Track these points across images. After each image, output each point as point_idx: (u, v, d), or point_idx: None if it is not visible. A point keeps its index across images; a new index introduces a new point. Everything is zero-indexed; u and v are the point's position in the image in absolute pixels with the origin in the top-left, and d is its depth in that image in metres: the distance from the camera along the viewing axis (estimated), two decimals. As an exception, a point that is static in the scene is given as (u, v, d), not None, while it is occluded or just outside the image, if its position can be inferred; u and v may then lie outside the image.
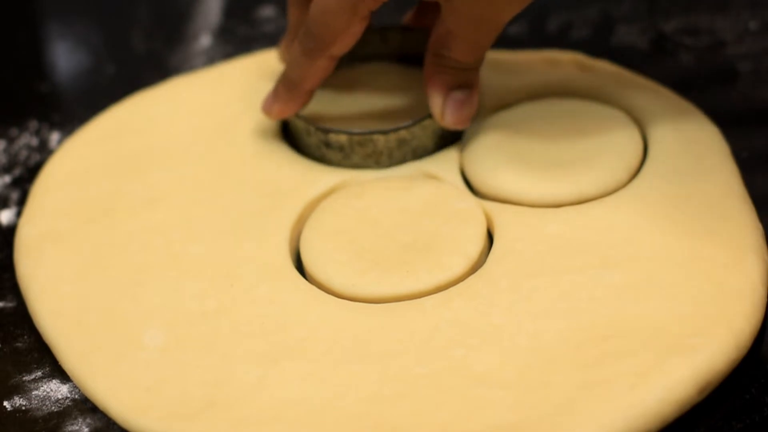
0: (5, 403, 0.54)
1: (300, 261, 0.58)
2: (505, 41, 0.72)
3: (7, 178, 0.67)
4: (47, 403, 0.54)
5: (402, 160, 0.61)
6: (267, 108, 0.62)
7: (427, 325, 0.54)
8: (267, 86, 0.68)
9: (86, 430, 0.53)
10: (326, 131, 0.61)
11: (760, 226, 0.57)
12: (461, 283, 0.55)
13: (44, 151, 0.69)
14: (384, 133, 0.60)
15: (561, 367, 0.51)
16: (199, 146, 0.65)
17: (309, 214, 0.60)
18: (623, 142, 0.61)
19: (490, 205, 0.59)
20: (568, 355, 0.51)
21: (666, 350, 0.51)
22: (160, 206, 0.62)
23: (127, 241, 0.60)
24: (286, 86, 0.61)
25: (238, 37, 0.75)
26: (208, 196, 0.62)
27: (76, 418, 0.53)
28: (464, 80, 0.60)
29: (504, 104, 0.65)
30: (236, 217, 0.61)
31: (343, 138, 0.61)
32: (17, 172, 0.68)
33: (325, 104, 0.64)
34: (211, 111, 0.68)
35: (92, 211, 0.62)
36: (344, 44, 0.59)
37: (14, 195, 0.66)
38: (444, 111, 0.60)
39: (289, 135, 0.64)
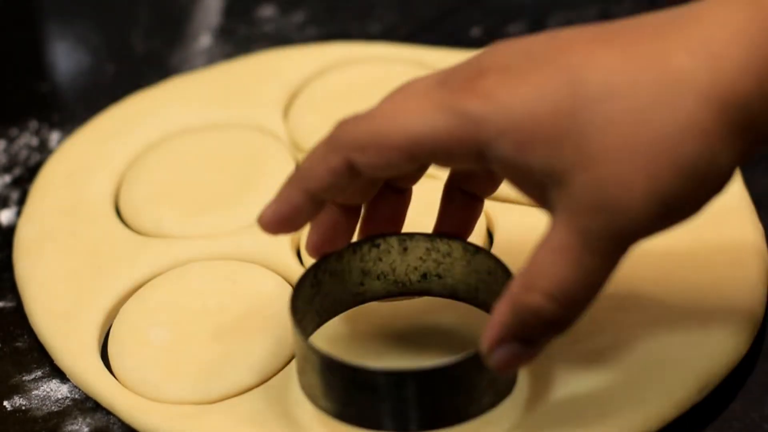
0: (5, 403, 0.54)
1: (300, 260, 0.59)
2: (505, 41, 0.72)
3: (7, 178, 0.67)
4: (47, 403, 0.54)
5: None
6: (263, 213, 0.49)
7: (428, 323, 0.54)
8: (267, 86, 0.68)
9: (86, 429, 0.53)
10: (355, 369, 0.47)
11: (760, 226, 0.57)
12: (461, 283, 0.55)
13: (44, 151, 0.68)
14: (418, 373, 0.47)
15: (560, 366, 0.51)
16: (199, 146, 0.65)
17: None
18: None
19: (490, 205, 0.59)
20: (567, 355, 0.51)
21: (666, 350, 0.51)
22: (160, 206, 0.62)
23: (128, 241, 0.60)
24: (289, 180, 0.48)
25: (238, 37, 0.75)
26: (208, 195, 0.62)
27: (76, 418, 0.53)
28: (536, 337, 0.45)
29: (504, 104, 0.65)
30: (237, 216, 0.61)
31: (381, 378, 0.47)
32: (17, 171, 0.67)
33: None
34: (210, 111, 0.68)
35: (92, 210, 0.62)
36: (372, 162, 0.46)
37: (14, 195, 0.66)
38: (493, 353, 0.45)
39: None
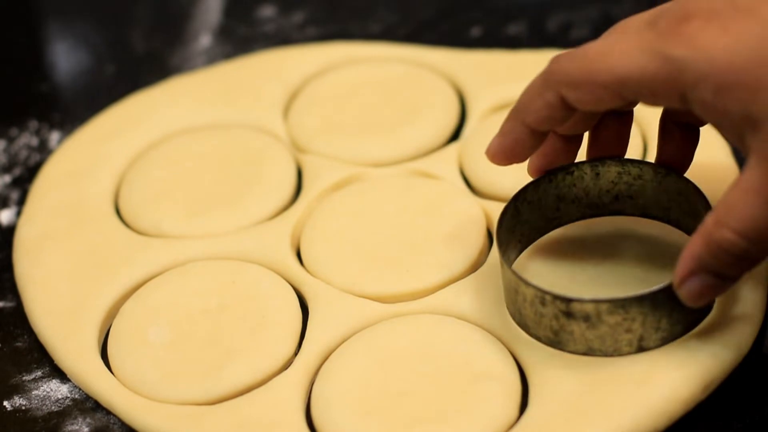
0: (5, 403, 0.54)
1: (300, 260, 0.59)
2: (505, 41, 0.72)
3: (7, 178, 0.67)
4: (47, 402, 0.54)
5: (657, 328, 0.50)
6: (489, 146, 0.53)
7: (428, 323, 0.54)
8: (267, 86, 0.68)
9: (86, 429, 0.53)
10: (568, 300, 0.50)
11: (760, 225, 0.57)
12: (461, 281, 0.55)
13: (44, 151, 0.68)
14: (638, 299, 0.49)
15: (564, 364, 0.51)
16: (199, 146, 0.65)
17: (310, 212, 0.60)
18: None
19: (490, 205, 0.59)
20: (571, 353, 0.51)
21: (671, 348, 0.51)
22: (160, 205, 0.62)
23: (128, 241, 0.60)
24: (510, 114, 0.52)
25: (238, 37, 0.75)
26: (208, 195, 0.62)
27: (76, 418, 0.53)
28: (728, 270, 0.47)
29: (504, 105, 0.65)
30: (237, 215, 0.61)
31: (589, 306, 0.50)
32: (17, 171, 0.68)
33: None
34: (210, 111, 0.68)
35: (92, 210, 0.62)
36: (582, 98, 0.49)
37: (14, 195, 0.66)
38: (684, 284, 0.48)
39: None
